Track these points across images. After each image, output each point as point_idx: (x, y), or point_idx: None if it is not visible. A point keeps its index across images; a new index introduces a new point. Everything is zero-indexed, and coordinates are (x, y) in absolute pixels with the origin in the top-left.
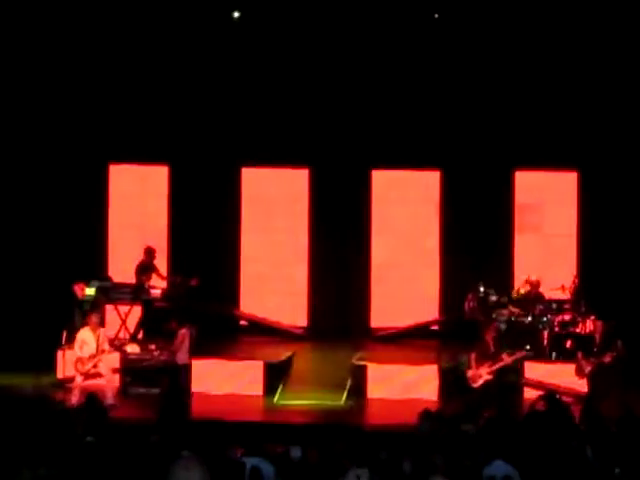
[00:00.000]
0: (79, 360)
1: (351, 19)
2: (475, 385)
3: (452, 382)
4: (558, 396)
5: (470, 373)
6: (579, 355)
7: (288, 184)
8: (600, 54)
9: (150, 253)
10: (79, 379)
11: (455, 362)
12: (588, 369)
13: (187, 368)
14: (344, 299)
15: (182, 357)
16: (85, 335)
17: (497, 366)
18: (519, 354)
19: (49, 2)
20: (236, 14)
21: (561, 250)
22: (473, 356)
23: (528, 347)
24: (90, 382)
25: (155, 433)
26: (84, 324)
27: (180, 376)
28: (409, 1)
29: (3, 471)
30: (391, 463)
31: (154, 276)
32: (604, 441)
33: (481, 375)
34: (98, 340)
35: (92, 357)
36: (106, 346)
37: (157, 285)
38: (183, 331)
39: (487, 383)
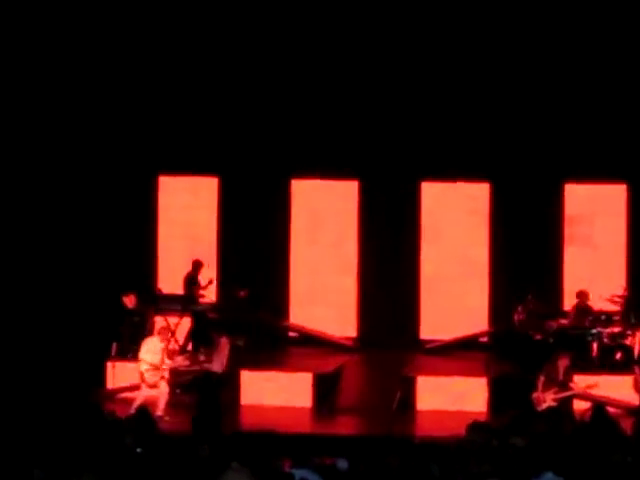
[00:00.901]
0: (148, 371)
1: (399, 30)
2: (538, 408)
3: (502, 394)
4: (606, 408)
5: (535, 395)
6: (637, 369)
7: (338, 196)
8: None
9: (197, 266)
10: (146, 390)
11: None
12: None
13: (225, 377)
14: (393, 311)
15: (218, 366)
16: (155, 345)
17: (564, 395)
18: (588, 387)
19: (95, 16)
20: None
21: (611, 262)
22: (541, 379)
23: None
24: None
25: (204, 444)
26: (153, 333)
27: (215, 385)
28: (458, 9)
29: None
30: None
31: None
32: None
33: (546, 400)
34: (163, 352)
35: (157, 368)
36: (166, 359)
37: (206, 296)
38: (222, 340)
39: (550, 409)
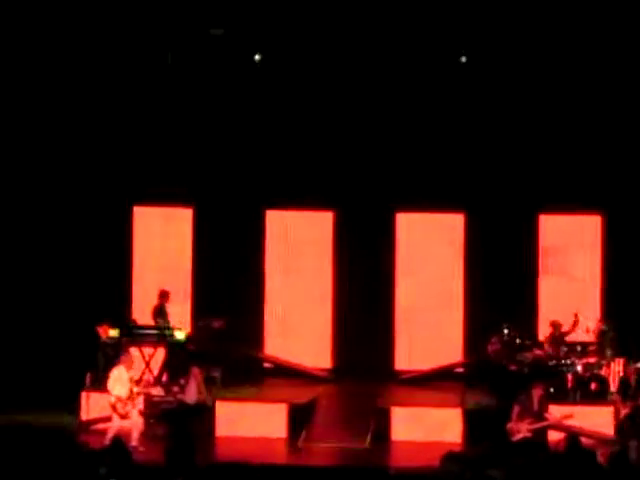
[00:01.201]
0: (119, 400)
1: (373, 63)
2: (513, 439)
3: (477, 425)
4: (580, 439)
5: (509, 425)
6: (615, 398)
7: (312, 226)
8: (624, 99)
9: (164, 296)
10: (117, 421)
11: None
12: (625, 412)
13: (199, 408)
14: (368, 341)
15: (192, 397)
16: (121, 374)
17: (538, 425)
18: (563, 418)
19: (74, 41)
20: (257, 57)
21: (585, 293)
22: (516, 409)
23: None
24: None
25: (179, 476)
26: (118, 363)
27: (188, 416)
28: (433, 44)
29: None
30: None
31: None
32: None
33: (520, 430)
34: (131, 381)
35: (129, 398)
36: (135, 388)
37: (181, 327)
38: (195, 371)
39: (525, 439)
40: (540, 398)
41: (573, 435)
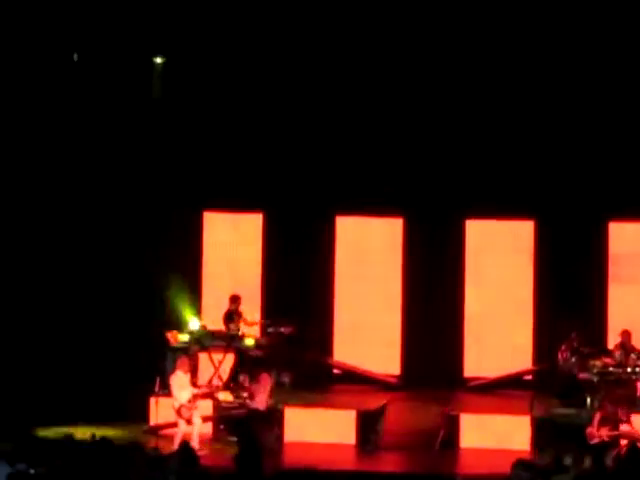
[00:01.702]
0: (183, 406)
1: (440, 68)
2: (591, 442)
3: (546, 433)
4: None
5: (589, 430)
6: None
7: (382, 233)
8: None
9: (235, 300)
10: (183, 426)
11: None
12: None
13: (268, 415)
14: (437, 348)
15: (261, 403)
16: (181, 379)
17: (617, 433)
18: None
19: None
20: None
21: None
22: (598, 416)
23: None
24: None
25: None
26: (175, 368)
27: (257, 423)
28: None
29: None
30: None
31: (242, 323)
32: None
33: (601, 436)
34: (190, 384)
35: (190, 402)
36: (195, 390)
37: (250, 333)
38: (265, 377)
39: (601, 444)
40: (623, 410)
41: (635, 441)
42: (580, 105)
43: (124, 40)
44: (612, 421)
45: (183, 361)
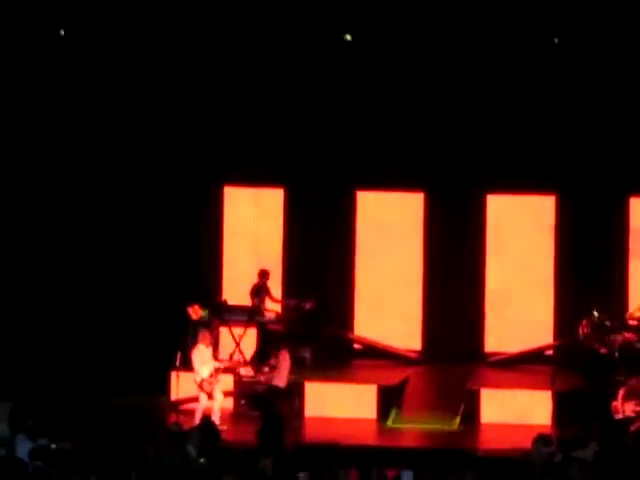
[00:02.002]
0: (204, 380)
1: (461, 42)
2: (615, 416)
3: (567, 408)
4: None
5: (614, 404)
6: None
7: (403, 207)
8: None
9: (264, 275)
10: (204, 400)
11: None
12: None
13: (289, 390)
14: (458, 323)
15: (282, 379)
16: (203, 353)
17: None
18: None
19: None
20: (348, 37)
21: None
22: (623, 389)
23: None
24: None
25: (269, 456)
26: (196, 342)
27: (278, 398)
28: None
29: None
30: None
31: (267, 299)
32: None
33: (625, 411)
34: (214, 357)
35: (212, 376)
36: (216, 364)
37: (271, 308)
38: (285, 353)
39: (625, 419)
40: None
41: None
42: (601, 80)
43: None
44: (637, 395)
45: (205, 335)
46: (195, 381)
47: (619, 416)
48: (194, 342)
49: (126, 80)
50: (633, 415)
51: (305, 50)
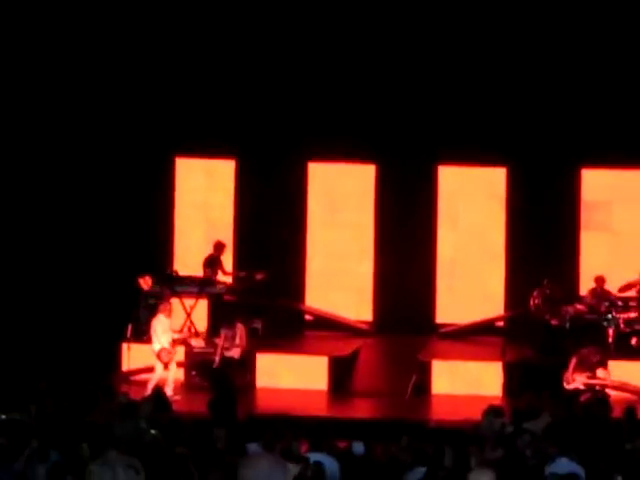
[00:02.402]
0: (163, 350)
1: (413, 12)
2: (567, 386)
3: (517, 379)
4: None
5: (565, 374)
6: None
7: (355, 179)
8: None
9: (219, 248)
10: (160, 370)
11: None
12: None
13: (241, 361)
14: (409, 295)
15: (234, 350)
16: (164, 324)
17: (594, 382)
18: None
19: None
20: None
21: (628, 248)
22: (574, 360)
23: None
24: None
25: (221, 428)
26: (157, 312)
27: (230, 369)
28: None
29: (69, 461)
30: (457, 460)
31: (220, 272)
32: None
33: (575, 380)
34: (172, 328)
35: (172, 345)
36: (175, 335)
37: (223, 279)
38: (238, 324)
39: (577, 391)
40: (598, 360)
41: (598, 391)
42: (552, 52)
43: None
44: (588, 366)
45: (166, 305)
46: (153, 350)
47: (570, 386)
48: (146, 313)
49: (78, 51)
50: (583, 386)
51: (256, 17)
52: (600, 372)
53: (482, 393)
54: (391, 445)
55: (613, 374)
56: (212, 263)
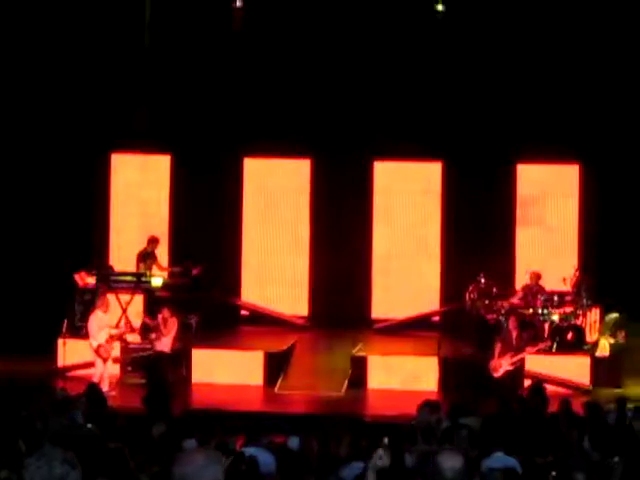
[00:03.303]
0: (101, 346)
1: (353, 10)
2: (496, 375)
3: (453, 373)
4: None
5: (492, 363)
6: None
7: (290, 174)
8: (600, 47)
9: (153, 242)
10: (100, 366)
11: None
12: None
13: (175, 356)
14: (345, 290)
15: (168, 345)
16: (101, 319)
17: (518, 357)
18: (541, 345)
19: None
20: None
21: (563, 243)
22: (497, 347)
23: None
24: (89, 371)
25: (159, 422)
26: (95, 307)
27: (164, 364)
28: None
29: (5, 456)
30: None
31: (154, 267)
32: (603, 431)
33: (502, 365)
34: (110, 324)
35: (109, 341)
36: (112, 331)
37: (158, 274)
38: (172, 319)
39: (507, 373)
40: (517, 332)
41: (538, 381)
42: (485, 47)
43: None
44: (511, 348)
45: (103, 301)
46: (91, 346)
47: (499, 373)
48: (81, 309)
49: (17, 46)
50: (511, 368)
51: (192, 16)
52: (529, 349)
53: (418, 388)
54: (327, 440)
55: (551, 369)
56: (146, 258)
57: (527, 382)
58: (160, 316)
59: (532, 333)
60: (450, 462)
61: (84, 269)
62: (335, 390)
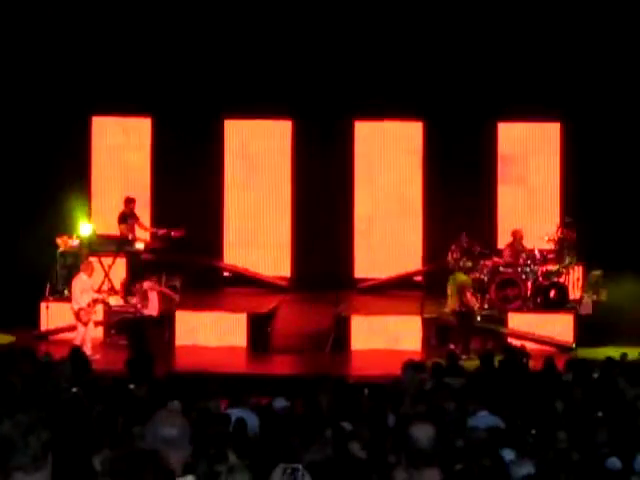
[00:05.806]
0: (82, 309)
1: None
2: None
3: (436, 333)
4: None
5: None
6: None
7: (271, 135)
8: (581, 6)
9: (130, 202)
10: (82, 329)
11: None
12: None
13: (158, 319)
14: (328, 251)
15: (151, 308)
16: (85, 283)
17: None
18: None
19: None
20: None
21: (545, 201)
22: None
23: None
24: (72, 334)
25: (142, 385)
26: (78, 271)
27: (148, 327)
28: None
29: None
30: (375, 414)
31: (136, 226)
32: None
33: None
34: (93, 287)
35: (91, 305)
36: (95, 295)
37: (141, 237)
38: (155, 282)
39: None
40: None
41: (509, 347)
42: (466, 6)
43: None
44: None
45: (87, 265)
46: (72, 309)
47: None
48: (64, 272)
49: None
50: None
51: None
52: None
53: (401, 348)
54: (312, 400)
55: (533, 328)
56: (126, 219)
57: (511, 341)
58: (139, 286)
59: (516, 291)
60: (422, 431)
61: (66, 233)
62: (319, 351)
